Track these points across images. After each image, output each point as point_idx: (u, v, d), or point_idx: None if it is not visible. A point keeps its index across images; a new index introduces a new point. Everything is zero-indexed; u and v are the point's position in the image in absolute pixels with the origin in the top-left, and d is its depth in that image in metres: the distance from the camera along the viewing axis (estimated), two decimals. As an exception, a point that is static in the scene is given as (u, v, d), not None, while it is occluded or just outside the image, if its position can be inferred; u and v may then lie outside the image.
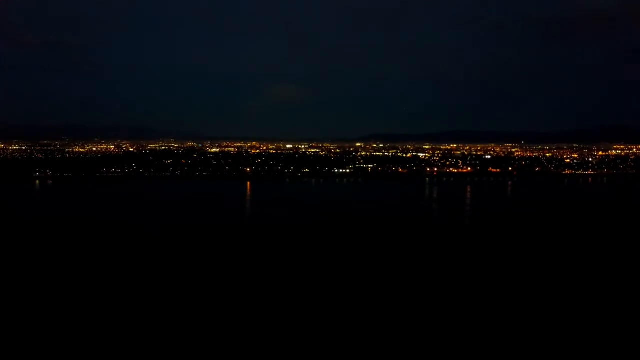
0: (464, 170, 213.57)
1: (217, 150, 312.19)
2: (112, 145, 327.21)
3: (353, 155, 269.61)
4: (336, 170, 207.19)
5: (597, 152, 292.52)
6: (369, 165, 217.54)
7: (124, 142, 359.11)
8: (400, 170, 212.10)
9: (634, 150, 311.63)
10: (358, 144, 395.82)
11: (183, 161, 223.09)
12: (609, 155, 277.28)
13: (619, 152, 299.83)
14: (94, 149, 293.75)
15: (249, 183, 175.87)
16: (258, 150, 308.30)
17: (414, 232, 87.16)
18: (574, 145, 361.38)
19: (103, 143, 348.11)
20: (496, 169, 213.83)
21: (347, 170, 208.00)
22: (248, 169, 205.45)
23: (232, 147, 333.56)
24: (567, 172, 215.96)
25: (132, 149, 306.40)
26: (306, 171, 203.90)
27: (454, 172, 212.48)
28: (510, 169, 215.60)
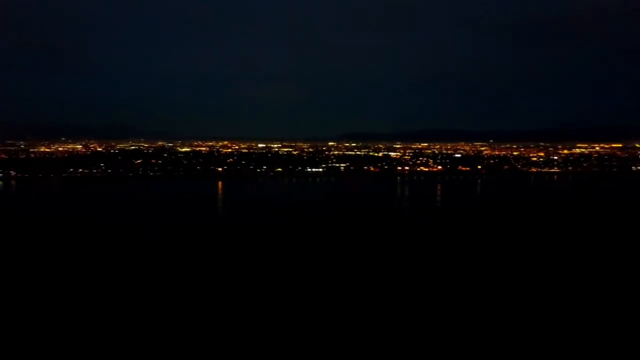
0: (435, 169, 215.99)
1: (188, 149, 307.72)
2: (80, 145, 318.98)
3: (326, 154, 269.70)
4: (309, 170, 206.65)
5: (562, 150, 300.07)
6: (342, 165, 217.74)
7: (91, 142, 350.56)
8: (372, 169, 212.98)
9: (597, 148, 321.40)
10: (331, 143, 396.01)
11: (153, 161, 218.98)
12: (572, 153, 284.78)
13: (583, 150, 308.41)
14: (60, 148, 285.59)
15: (220, 183, 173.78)
16: (230, 150, 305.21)
17: (384, 230, 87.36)
18: (540, 144, 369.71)
19: (70, 143, 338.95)
20: (466, 167, 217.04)
21: (320, 170, 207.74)
22: (220, 169, 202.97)
23: (203, 147, 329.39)
24: (534, 170, 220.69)
25: (100, 149, 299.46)
26: (279, 170, 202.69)
27: (425, 170, 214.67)
28: (479, 167, 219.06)
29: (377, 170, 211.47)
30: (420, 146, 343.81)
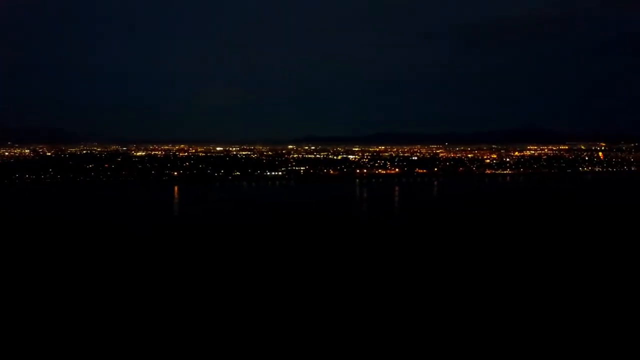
0: (392, 172, 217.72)
1: (143, 153, 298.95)
2: (27, 149, 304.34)
3: (285, 157, 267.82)
4: (268, 173, 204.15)
5: (514, 152, 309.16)
6: (301, 168, 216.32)
7: (40, 146, 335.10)
8: (332, 172, 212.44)
9: (546, 150, 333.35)
10: (290, 146, 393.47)
11: (106, 165, 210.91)
12: (524, 155, 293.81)
13: (533, 152, 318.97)
14: (7, 153, 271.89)
15: (176, 187, 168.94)
16: (186, 154, 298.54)
17: (342, 232, 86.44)
18: (493, 146, 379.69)
19: (17, 147, 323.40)
20: (422, 169, 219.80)
21: (279, 173, 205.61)
22: (175, 173, 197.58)
23: (159, 151, 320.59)
24: (488, 171, 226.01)
25: (49, 153, 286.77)
26: (237, 174, 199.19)
27: (383, 173, 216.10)
28: (435, 169, 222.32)
29: (336, 173, 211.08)
30: (377, 149, 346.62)
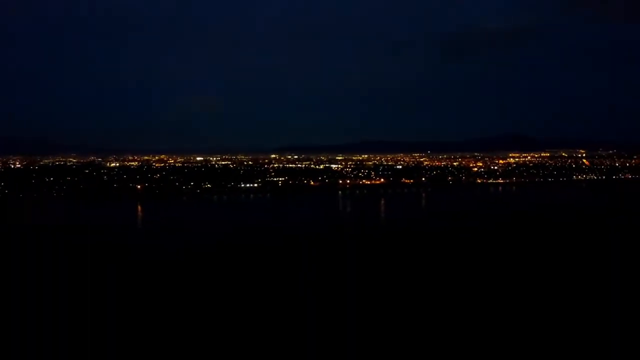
0: (377, 182, 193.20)
1: (117, 164, 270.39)
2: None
3: (265, 167, 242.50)
4: (243, 185, 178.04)
5: (498, 160, 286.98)
6: (280, 179, 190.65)
7: (13, 158, 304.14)
8: (313, 183, 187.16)
9: (529, 157, 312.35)
10: (273, 156, 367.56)
11: (68, 178, 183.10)
12: (509, 163, 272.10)
13: (517, 159, 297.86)
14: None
15: (138, 204, 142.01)
16: (163, 164, 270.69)
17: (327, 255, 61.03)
18: (475, 153, 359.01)
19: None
20: (409, 179, 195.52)
21: (256, 185, 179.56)
22: (139, 186, 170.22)
23: (135, 162, 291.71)
24: (479, 181, 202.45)
25: (19, 165, 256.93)
26: (208, 187, 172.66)
27: (367, 183, 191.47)
28: (423, 179, 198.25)
29: (317, 184, 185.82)
30: (361, 157, 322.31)
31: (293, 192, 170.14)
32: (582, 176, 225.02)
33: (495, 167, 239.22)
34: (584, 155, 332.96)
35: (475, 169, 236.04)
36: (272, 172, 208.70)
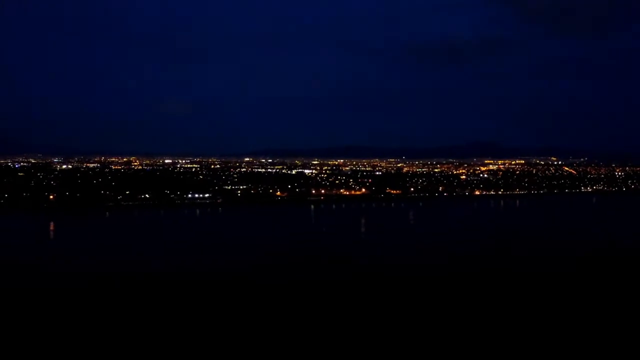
0: (358, 192, 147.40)
1: (70, 167, 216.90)
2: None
3: (230, 172, 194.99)
4: (190, 195, 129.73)
5: (478, 167, 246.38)
6: (242, 186, 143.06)
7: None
8: (279, 193, 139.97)
9: (507, 165, 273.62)
10: (247, 159, 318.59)
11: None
12: (490, 170, 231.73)
13: (499, 166, 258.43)
14: None
15: (52, 222, 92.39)
16: (123, 167, 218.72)
17: None
18: (450, 160, 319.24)
19: None
20: (395, 189, 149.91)
21: (207, 195, 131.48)
22: (52, 196, 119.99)
23: (93, 164, 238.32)
24: (477, 192, 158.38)
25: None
26: (145, 197, 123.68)
27: (346, 194, 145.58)
28: (411, 188, 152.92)
29: (285, 194, 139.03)
30: (337, 162, 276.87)
31: (251, 204, 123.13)
32: (592, 188, 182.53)
33: (485, 175, 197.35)
34: (554, 162, 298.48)
35: (463, 177, 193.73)
36: (235, 178, 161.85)
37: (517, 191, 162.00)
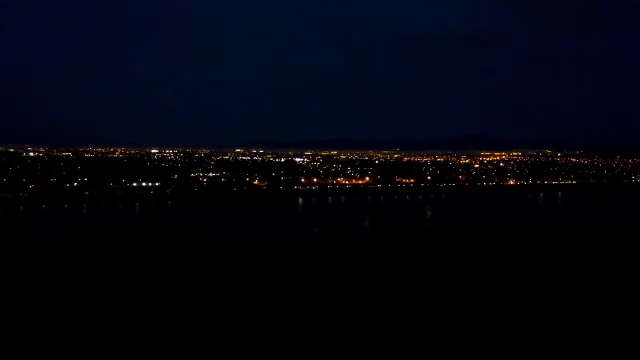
0: (360, 182, 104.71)
1: (32, 155, 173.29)
2: None
3: (208, 161, 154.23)
4: (136, 185, 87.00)
5: (482, 159, 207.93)
6: (211, 174, 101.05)
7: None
8: (257, 182, 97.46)
9: (504, 156, 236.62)
10: (238, 150, 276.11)
11: None
12: (493, 161, 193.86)
13: (497, 157, 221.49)
14: None
15: None
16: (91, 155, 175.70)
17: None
18: (449, 152, 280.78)
19: None
20: (407, 178, 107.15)
21: (157, 184, 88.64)
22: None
23: (67, 152, 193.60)
24: (511, 182, 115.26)
25: None
26: (66, 185, 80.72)
27: (345, 183, 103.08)
28: (428, 177, 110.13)
29: (264, 183, 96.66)
30: (330, 153, 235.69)
31: (218, 200, 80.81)
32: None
33: (502, 165, 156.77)
34: (549, 155, 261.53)
35: (477, 165, 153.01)
36: (210, 166, 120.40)
37: (547, 182, 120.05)
